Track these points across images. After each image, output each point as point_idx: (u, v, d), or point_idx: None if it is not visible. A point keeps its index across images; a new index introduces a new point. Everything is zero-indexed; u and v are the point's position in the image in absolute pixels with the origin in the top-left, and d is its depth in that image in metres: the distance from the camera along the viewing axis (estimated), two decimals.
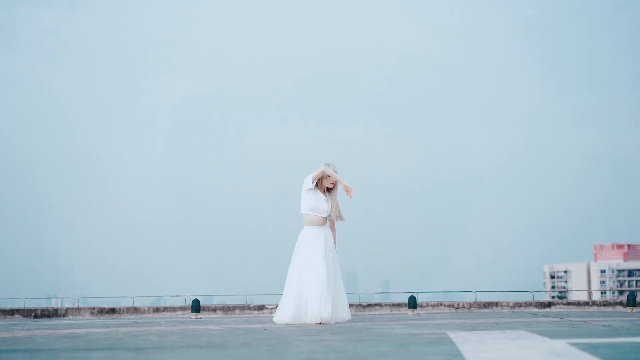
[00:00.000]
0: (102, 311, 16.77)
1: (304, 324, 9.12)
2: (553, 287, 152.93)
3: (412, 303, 13.91)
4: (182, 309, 16.29)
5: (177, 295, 17.20)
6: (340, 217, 9.73)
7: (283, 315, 9.34)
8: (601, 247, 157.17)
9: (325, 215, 9.54)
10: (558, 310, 15.20)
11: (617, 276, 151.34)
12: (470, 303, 15.77)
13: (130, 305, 16.86)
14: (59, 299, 18.58)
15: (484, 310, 15.36)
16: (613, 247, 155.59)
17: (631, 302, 13.89)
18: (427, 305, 15.76)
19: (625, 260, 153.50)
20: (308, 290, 9.27)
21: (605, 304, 15.65)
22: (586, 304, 15.66)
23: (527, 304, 15.68)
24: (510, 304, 15.68)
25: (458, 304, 15.79)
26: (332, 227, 9.79)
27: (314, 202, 9.48)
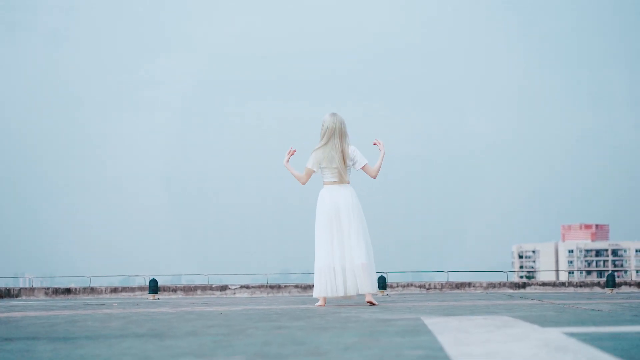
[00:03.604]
0: (57, 291, 15.97)
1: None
2: (521, 267, 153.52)
3: (382, 284, 13.24)
4: (141, 289, 15.52)
5: (136, 275, 16.44)
6: None
7: None
8: (569, 227, 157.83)
9: None
10: (534, 291, 14.62)
11: (585, 256, 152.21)
12: (442, 284, 15.14)
13: (86, 285, 16.07)
14: (27, 279, 17.73)
15: (456, 291, 14.74)
16: (581, 227, 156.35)
17: (611, 283, 13.31)
18: (397, 286, 15.11)
19: (592, 241, 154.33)
20: None
21: (582, 284, 15.08)
22: (562, 284, 15.08)
23: (501, 285, 15.08)
24: (484, 285, 15.07)
25: (429, 285, 15.15)
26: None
27: None
